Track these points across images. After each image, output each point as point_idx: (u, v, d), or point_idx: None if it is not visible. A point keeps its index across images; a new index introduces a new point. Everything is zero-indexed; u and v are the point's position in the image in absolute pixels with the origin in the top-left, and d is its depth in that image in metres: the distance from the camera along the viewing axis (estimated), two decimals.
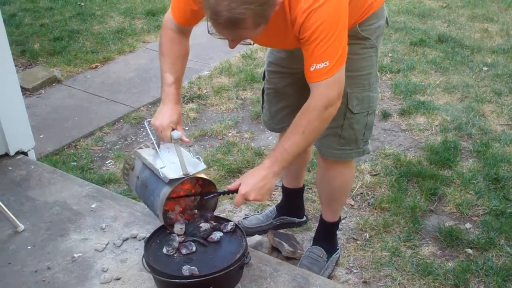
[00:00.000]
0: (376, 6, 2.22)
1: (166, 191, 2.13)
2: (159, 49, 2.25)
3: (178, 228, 2.26)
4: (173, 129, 2.12)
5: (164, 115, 2.12)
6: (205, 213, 2.33)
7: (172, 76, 2.17)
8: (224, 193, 2.18)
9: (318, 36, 1.85)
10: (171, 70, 2.18)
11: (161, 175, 2.12)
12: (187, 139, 2.15)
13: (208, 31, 1.83)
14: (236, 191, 2.07)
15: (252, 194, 2.02)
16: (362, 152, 2.50)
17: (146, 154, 2.28)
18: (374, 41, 2.28)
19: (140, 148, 2.34)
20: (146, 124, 2.27)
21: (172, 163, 2.16)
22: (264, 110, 2.72)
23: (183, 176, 2.11)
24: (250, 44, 1.93)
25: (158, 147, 2.26)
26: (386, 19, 2.36)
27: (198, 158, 2.22)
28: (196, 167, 2.17)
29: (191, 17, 2.12)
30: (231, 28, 1.72)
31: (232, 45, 1.88)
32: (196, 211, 2.32)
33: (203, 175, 2.20)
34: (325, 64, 1.89)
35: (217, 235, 2.22)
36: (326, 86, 1.93)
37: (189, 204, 2.31)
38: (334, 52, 1.89)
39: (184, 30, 2.20)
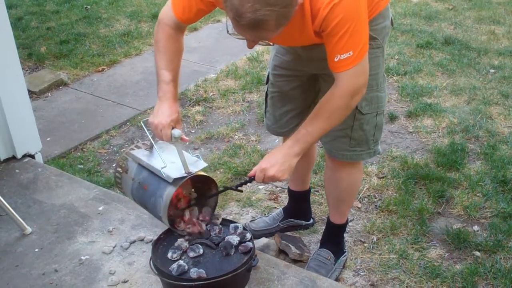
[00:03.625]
0: (382, 6, 2.22)
1: (170, 191, 2.11)
2: (155, 45, 2.21)
3: (183, 226, 2.28)
4: (172, 128, 2.09)
5: (164, 114, 2.09)
6: (213, 215, 2.34)
7: (170, 73, 2.15)
8: (246, 182, 2.18)
9: (341, 28, 1.87)
10: (169, 67, 2.15)
11: (164, 175, 2.10)
12: (186, 138, 2.13)
13: (227, 31, 1.83)
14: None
15: (272, 169, 2.04)
16: (373, 153, 2.50)
17: (141, 155, 2.25)
18: (381, 41, 2.28)
19: (132, 149, 2.31)
20: (142, 124, 2.24)
21: (172, 162, 2.14)
22: (267, 114, 2.70)
23: (186, 174, 2.10)
24: (270, 44, 1.92)
25: (152, 145, 2.24)
26: (391, 19, 2.35)
27: (198, 156, 2.21)
28: (197, 165, 2.16)
29: (195, 16, 2.12)
30: (253, 30, 1.71)
31: (250, 45, 1.87)
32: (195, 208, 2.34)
33: (203, 173, 2.20)
34: (349, 54, 1.91)
35: (235, 239, 2.21)
36: (353, 75, 1.97)
37: (188, 201, 2.31)
38: (357, 42, 1.92)
39: (181, 27, 2.18)
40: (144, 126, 2.21)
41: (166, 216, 2.15)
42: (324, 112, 2.04)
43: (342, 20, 1.85)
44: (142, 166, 2.23)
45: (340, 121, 2.11)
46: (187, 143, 2.20)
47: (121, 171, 2.31)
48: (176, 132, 2.07)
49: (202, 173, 2.20)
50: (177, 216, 2.27)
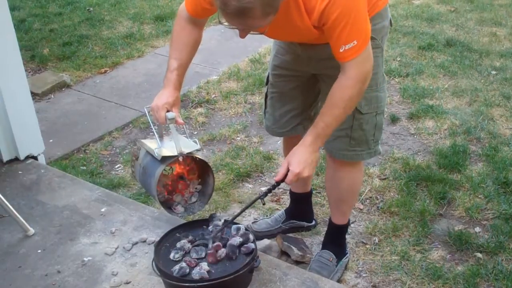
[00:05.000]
0: (380, 6, 2.23)
1: (160, 169, 2.20)
2: (171, 37, 2.34)
3: (180, 209, 2.37)
4: (168, 111, 2.17)
5: (161, 97, 2.19)
6: (216, 218, 2.35)
7: (176, 62, 2.24)
8: (275, 187, 2.21)
9: (341, 21, 1.90)
10: (177, 56, 2.25)
11: (156, 154, 2.20)
12: (181, 120, 2.20)
13: (219, 21, 1.86)
14: (283, 179, 2.13)
15: (306, 170, 2.10)
16: (374, 153, 2.50)
17: (149, 142, 2.37)
18: (380, 41, 2.29)
19: (145, 138, 2.41)
20: (145, 110, 2.34)
21: (172, 147, 2.23)
22: (267, 115, 2.71)
23: (177, 154, 2.18)
24: (262, 33, 1.94)
25: (161, 135, 2.34)
26: (390, 20, 2.36)
27: (195, 142, 2.30)
28: (190, 147, 2.25)
29: (202, 13, 2.20)
30: (240, 18, 1.75)
31: (242, 35, 1.90)
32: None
33: (198, 156, 2.28)
34: (354, 43, 1.94)
35: (236, 240, 2.21)
36: (361, 62, 2.00)
37: (186, 187, 2.42)
38: (360, 30, 1.96)
39: (196, 21, 2.27)
40: (147, 113, 2.32)
41: (156, 192, 2.25)
42: (339, 102, 2.07)
43: (341, 13, 1.88)
44: (147, 152, 2.34)
45: (353, 108, 2.17)
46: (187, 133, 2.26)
47: (134, 159, 2.44)
48: (170, 114, 2.16)
49: (198, 155, 2.28)
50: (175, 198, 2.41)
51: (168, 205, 2.39)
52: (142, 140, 2.41)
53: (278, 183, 2.16)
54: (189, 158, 2.30)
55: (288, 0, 1.85)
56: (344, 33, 1.93)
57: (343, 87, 2.05)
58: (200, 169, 2.41)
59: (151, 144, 2.32)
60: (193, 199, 2.43)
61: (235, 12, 1.71)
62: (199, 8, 2.16)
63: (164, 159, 2.20)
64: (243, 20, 1.77)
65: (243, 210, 2.31)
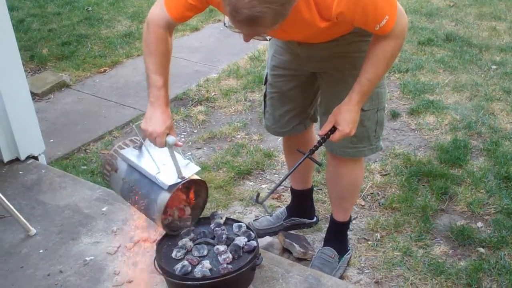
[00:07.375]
0: None
1: (164, 197, 2.12)
2: (146, 48, 2.19)
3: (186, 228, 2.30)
4: (167, 134, 2.09)
5: (157, 121, 2.07)
6: (217, 215, 2.34)
7: (161, 78, 2.12)
8: (321, 143, 2.23)
9: (365, 11, 1.88)
10: (159, 71, 2.13)
11: (158, 181, 2.11)
12: (180, 143, 2.14)
13: (224, 24, 1.83)
14: (330, 130, 2.17)
15: (353, 130, 2.15)
16: (375, 149, 2.50)
17: (131, 155, 2.25)
18: None
19: (121, 147, 2.30)
20: (135, 127, 2.21)
21: (163, 164, 2.15)
22: (267, 115, 2.70)
23: (180, 180, 2.12)
24: (266, 39, 1.91)
25: (141, 147, 2.25)
26: None
27: (189, 158, 2.22)
28: (190, 169, 2.18)
29: (190, 13, 2.08)
30: (249, 25, 1.70)
31: (247, 39, 1.86)
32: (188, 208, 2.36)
33: (196, 176, 2.22)
34: (386, 18, 1.93)
35: (242, 241, 2.20)
36: (397, 24, 1.97)
37: (180, 203, 2.34)
38: (386, 6, 1.93)
39: (171, 27, 2.15)
40: (137, 131, 2.19)
41: (160, 220, 2.17)
42: (381, 59, 2.07)
43: (363, 6, 1.87)
44: (132, 167, 2.24)
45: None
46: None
47: (109, 169, 2.30)
48: (171, 139, 2.07)
49: (195, 176, 2.21)
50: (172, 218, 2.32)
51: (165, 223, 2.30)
52: (122, 152, 2.27)
53: (323, 138, 2.20)
54: (189, 180, 2.20)
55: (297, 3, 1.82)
56: (373, 15, 1.92)
57: (384, 44, 2.04)
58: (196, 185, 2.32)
59: (135, 159, 2.22)
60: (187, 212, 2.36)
61: (245, 20, 1.67)
62: (187, 7, 2.03)
63: (170, 187, 2.11)
64: (252, 28, 1.73)
65: (286, 176, 2.34)
